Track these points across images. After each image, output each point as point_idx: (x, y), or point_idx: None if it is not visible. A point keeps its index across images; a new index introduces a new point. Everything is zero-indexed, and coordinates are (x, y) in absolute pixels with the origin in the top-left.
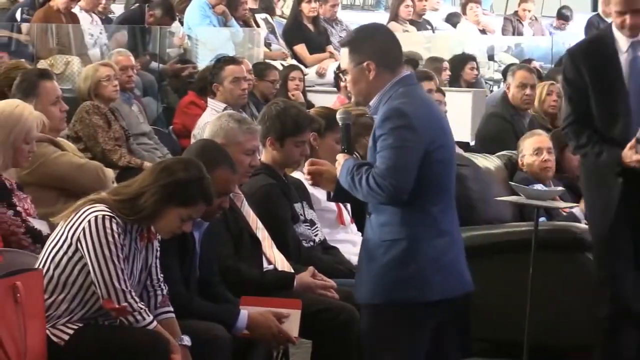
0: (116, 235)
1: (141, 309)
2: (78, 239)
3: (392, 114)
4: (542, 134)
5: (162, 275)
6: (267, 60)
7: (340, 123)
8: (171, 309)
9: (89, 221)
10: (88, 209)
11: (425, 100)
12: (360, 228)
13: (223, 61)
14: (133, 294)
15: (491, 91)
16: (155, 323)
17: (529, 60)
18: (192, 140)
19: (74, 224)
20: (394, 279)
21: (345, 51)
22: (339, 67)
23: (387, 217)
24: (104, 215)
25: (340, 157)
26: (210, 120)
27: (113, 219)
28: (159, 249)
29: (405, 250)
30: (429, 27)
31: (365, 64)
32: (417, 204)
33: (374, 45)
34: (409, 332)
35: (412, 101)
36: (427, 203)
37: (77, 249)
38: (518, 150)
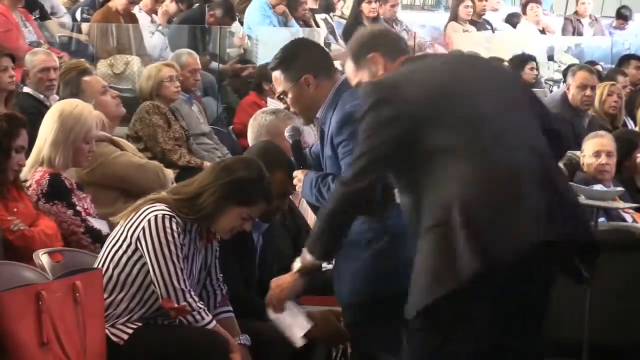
0: (176, 235)
1: (200, 308)
2: (138, 238)
3: (348, 119)
4: (605, 136)
5: (221, 275)
6: None
7: (290, 141)
8: (230, 308)
9: (149, 220)
10: (148, 208)
11: None
12: None
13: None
14: (192, 293)
15: (550, 91)
16: (214, 322)
17: (592, 62)
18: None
19: (133, 223)
20: (380, 275)
21: (277, 73)
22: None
23: (363, 217)
24: (163, 215)
25: (299, 173)
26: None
27: (173, 219)
28: (218, 249)
29: (386, 246)
30: (489, 27)
31: (303, 79)
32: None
33: (303, 58)
34: (396, 325)
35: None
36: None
37: (136, 248)
38: (581, 149)
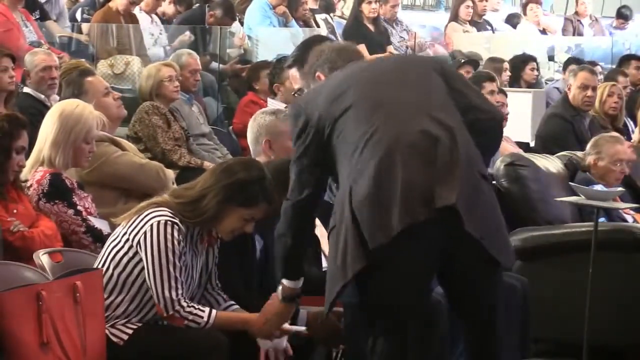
0: (176, 243)
1: (190, 315)
2: (138, 242)
3: None
4: (625, 143)
5: (218, 282)
6: None
7: None
8: (234, 302)
9: (151, 225)
10: (151, 213)
11: None
12: None
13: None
14: (182, 301)
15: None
16: (213, 314)
17: (593, 62)
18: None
19: (136, 227)
20: None
21: (293, 71)
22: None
23: None
24: (166, 221)
25: None
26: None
27: (175, 225)
28: (217, 255)
29: None
30: (489, 27)
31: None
32: None
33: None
34: None
35: None
36: None
37: (137, 251)
38: (590, 149)
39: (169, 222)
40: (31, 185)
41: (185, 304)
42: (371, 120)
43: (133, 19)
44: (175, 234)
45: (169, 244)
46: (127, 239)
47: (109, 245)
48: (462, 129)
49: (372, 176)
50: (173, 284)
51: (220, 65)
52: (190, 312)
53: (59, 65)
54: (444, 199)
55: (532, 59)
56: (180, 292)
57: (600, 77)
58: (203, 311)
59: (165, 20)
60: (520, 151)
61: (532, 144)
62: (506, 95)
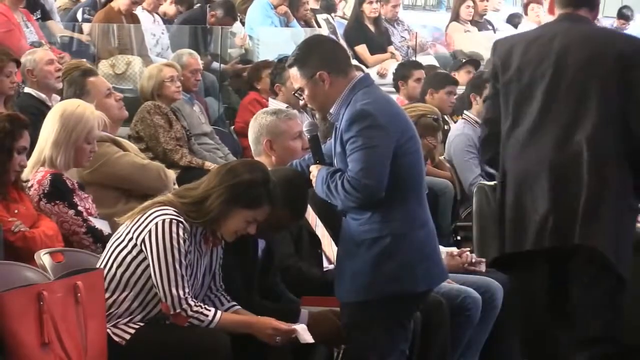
0: (181, 241)
1: (195, 314)
2: (143, 241)
3: (358, 116)
4: None
5: (222, 284)
6: None
7: (307, 136)
8: (235, 303)
9: (156, 224)
10: (156, 211)
11: (386, 98)
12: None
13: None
14: (189, 300)
15: None
16: (219, 315)
17: None
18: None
19: (140, 225)
20: (383, 274)
21: (294, 70)
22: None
23: (367, 215)
24: (171, 220)
25: (314, 169)
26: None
27: (180, 224)
28: (222, 256)
29: (389, 246)
30: (490, 27)
31: (317, 75)
32: (396, 199)
33: (319, 55)
34: (399, 324)
35: (374, 100)
36: (404, 197)
37: (141, 250)
38: None
39: (174, 221)
40: (32, 186)
41: (192, 303)
42: (524, 118)
43: (134, 19)
44: (181, 232)
45: (175, 242)
46: (131, 238)
47: (112, 245)
48: (614, 153)
49: (513, 188)
50: (180, 281)
51: (222, 65)
52: (196, 312)
53: (61, 65)
54: (588, 238)
55: None
56: (187, 290)
57: None
58: (209, 310)
59: (166, 20)
60: None
61: None
62: None
